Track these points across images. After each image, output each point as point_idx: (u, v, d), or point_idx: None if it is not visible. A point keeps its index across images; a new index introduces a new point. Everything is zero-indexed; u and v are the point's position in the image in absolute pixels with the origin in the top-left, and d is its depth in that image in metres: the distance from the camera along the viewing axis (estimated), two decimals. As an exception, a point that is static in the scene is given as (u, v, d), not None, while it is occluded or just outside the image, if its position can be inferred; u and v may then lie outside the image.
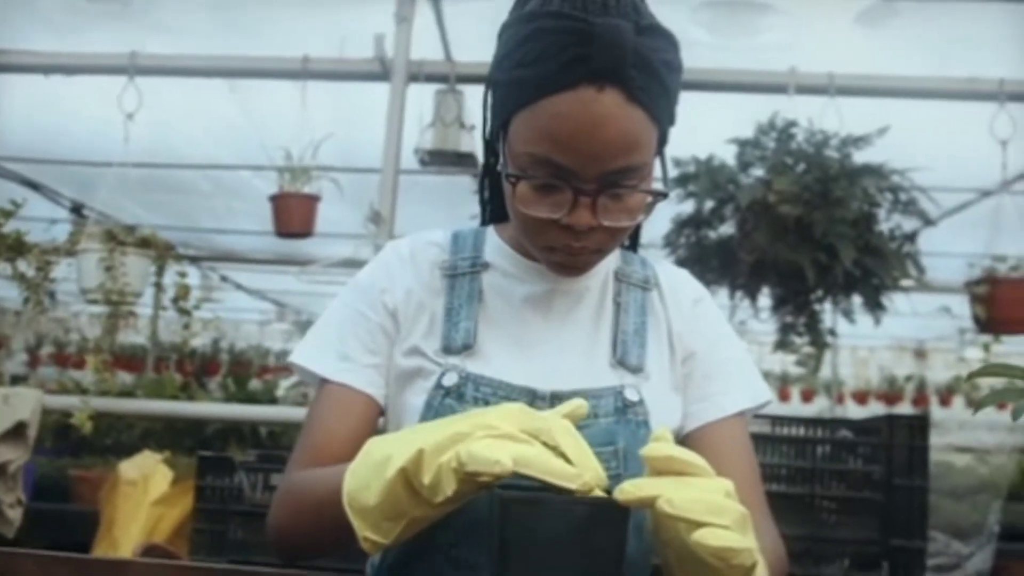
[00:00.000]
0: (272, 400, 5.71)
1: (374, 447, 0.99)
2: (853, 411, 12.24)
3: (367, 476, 0.97)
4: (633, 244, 1.41)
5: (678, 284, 1.37)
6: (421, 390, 1.23)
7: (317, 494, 1.09)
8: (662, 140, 1.20)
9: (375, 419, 1.27)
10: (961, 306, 4.35)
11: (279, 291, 11.42)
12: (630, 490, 0.88)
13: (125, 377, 7.91)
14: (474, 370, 1.23)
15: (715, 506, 0.87)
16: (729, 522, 0.86)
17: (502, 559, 0.88)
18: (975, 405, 0.99)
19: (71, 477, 4.37)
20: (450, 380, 1.22)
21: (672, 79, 1.14)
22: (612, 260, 1.33)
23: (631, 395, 1.24)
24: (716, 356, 1.33)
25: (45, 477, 4.29)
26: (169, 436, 4.93)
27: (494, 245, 1.34)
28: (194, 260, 7.49)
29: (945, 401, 12.96)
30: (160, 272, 3.91)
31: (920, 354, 13.97)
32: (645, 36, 1.10)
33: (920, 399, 12.84)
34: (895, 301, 3.76)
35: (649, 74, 1.10)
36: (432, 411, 1.20)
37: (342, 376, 1.24)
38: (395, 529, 0.96)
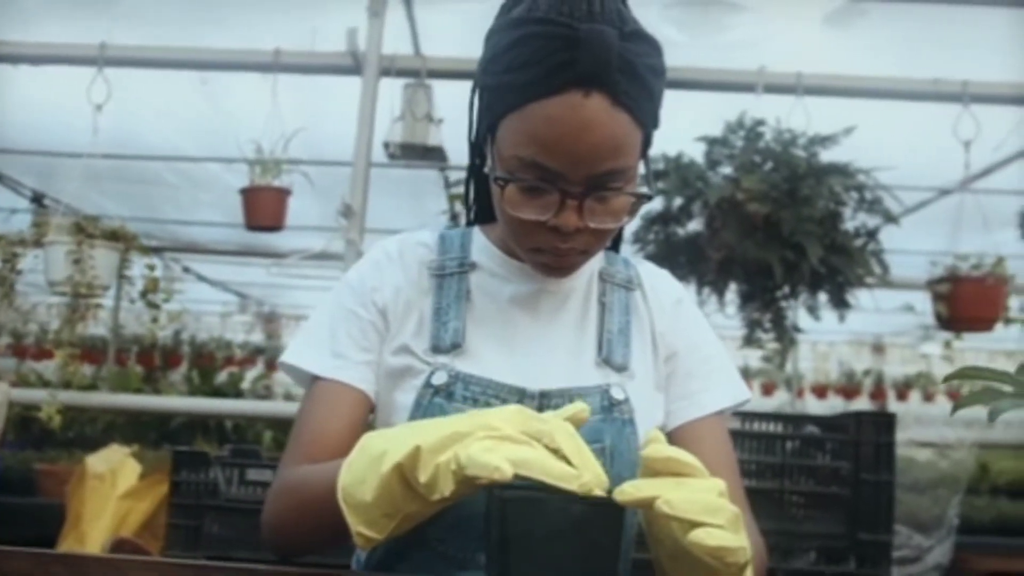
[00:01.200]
0: (238, 393, 5.71)
1: (370, 442, 1.00)
2: (812, 405, 12.38)
3: (363, 471, 0.98)
4: (615, 245, 1.43)
5: (660, 284, 1.40)
6: (410, 388, 1.24)
7: (312, 489, 1.10)
8: (646, 143, 1.22)
9: (367, 416, 1.28)
10: (922, 302, 4.42)
11: (242, 283, 11.35)
12: (630, 491, 0.90)
13: (86, 369, 7.85)
14: (463, 369, 1.24)
15: (710, 506, 0.90)
16: (723, 522, 0.89)
17: (501, 557, 0.90)
18: (954, 406, 1.02)
19: (36, 471, 4.34)
20: (439, 379, 1.23)
21: (656, 83, 1.17)
22: (596, 260, 1.35)
23: (617, 394, 1.26)
24: (697, 355, 1.36)
25: (10, 470, 4.26)
26: (133, 429, 4.92)
27: (481, 245, 1.35)
28: (157, 251, 7.45)
29: (902, 396, 13.13)
30: (125, 263, 3.89)
31: (878, 349, 14.14)
32: (630, 41, 1.12)
33: (878, 393, 12.99)
34: (858, 297, 3.81)
35: (634, 79, 1.12)
36: (421, 409, 1.22)
37: (335, 373, 1.26)
38: (389, 525, 0.97)
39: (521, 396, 1.23)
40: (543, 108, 1.11)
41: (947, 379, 1.06)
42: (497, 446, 0.90)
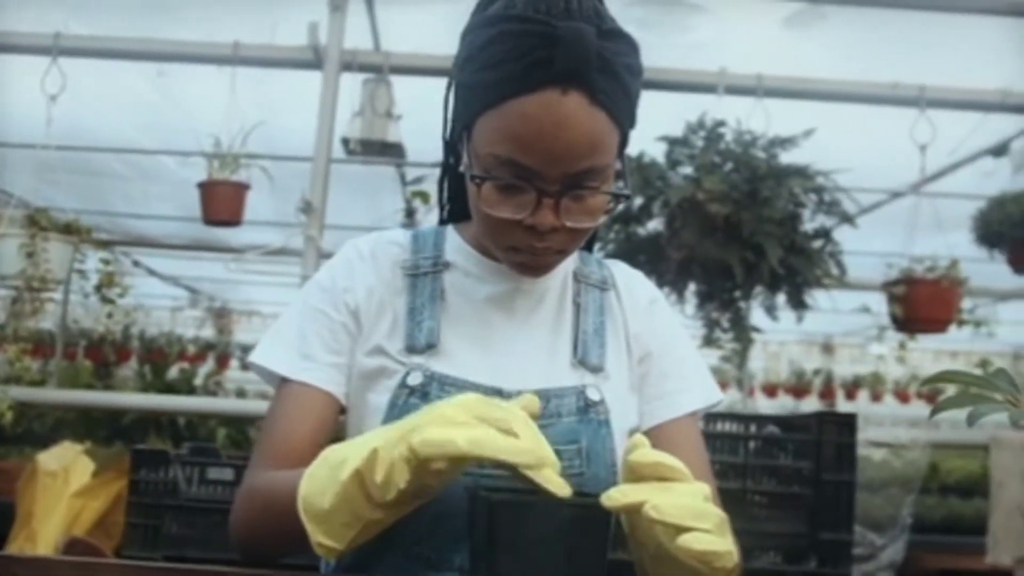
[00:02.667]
0: (191, 389, 5.64)
1: (331, 452, 1.00)
2: (763, 404, 12.48)
3: (323, 480, 0.98)
4: (589, 245, 1.43)
5: (634, 285, 1.39)
6: (385, 389, 1.23)
7: (275, 498, 1.09)
8: (623, 142, 1.21)
9: (335, 417, 1.26)
10: (878, 303, 4.46)
11: (193, 277, 11.22)
12: (617, 497, 0.90)
13: (32, 363, 7.70)
14: (439, 369, 1.23)
15: (698, 511, 0.90)
16: (711, 526, 0.89)
17: (487, 560, 0.89)
18: (934, 409, 1.03)
19: (-15, 467, 4.25)
20: (415, 379, 1.22)
21: (633, 83, 1.16)
22: (570, 261, 1.34)
23: (592, 394, 1.25)
24: (672, 356, 1.35)
25: (-42, 467, 4.18)
26: (84, 425, 4.83)
27: (455, 245, 1.34)
28: (107, 244, 7.33)
29: (851, 395, 13.28)
30: (77, 257, 3.83)
31: (828, 349, 14.29)
32: (608, 40, 1.11)
33: (827, 393, 13.13)
34: (815, 297, 3.85)
35: (611, 77, 1.11)
36: (396, 410, 1.20)
37: (303, 375, 1.24)
38: (349, 534, 0.96)
39: (497, 396, 1.22)
40: (520, 105, 1.10)
41: (926, 383, 1.06)
42: (449, 429, 0.90)
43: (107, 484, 3.47)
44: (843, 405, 12.61)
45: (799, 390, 13.47)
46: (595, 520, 0.90)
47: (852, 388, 13.40)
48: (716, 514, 0.91)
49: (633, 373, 1.33)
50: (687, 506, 0.89)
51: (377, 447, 0.93)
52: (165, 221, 7.39)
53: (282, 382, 1.25)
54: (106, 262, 3.83)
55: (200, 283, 11.72)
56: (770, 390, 13.79)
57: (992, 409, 0.98)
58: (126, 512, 2.33)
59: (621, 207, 3.67)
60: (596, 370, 1.28)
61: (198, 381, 6.26)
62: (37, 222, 3.57)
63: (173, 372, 6.61)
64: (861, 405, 12.71)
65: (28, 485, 3.57)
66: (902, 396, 13.05)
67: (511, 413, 0.94)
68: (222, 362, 11.27)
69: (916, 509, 4.05)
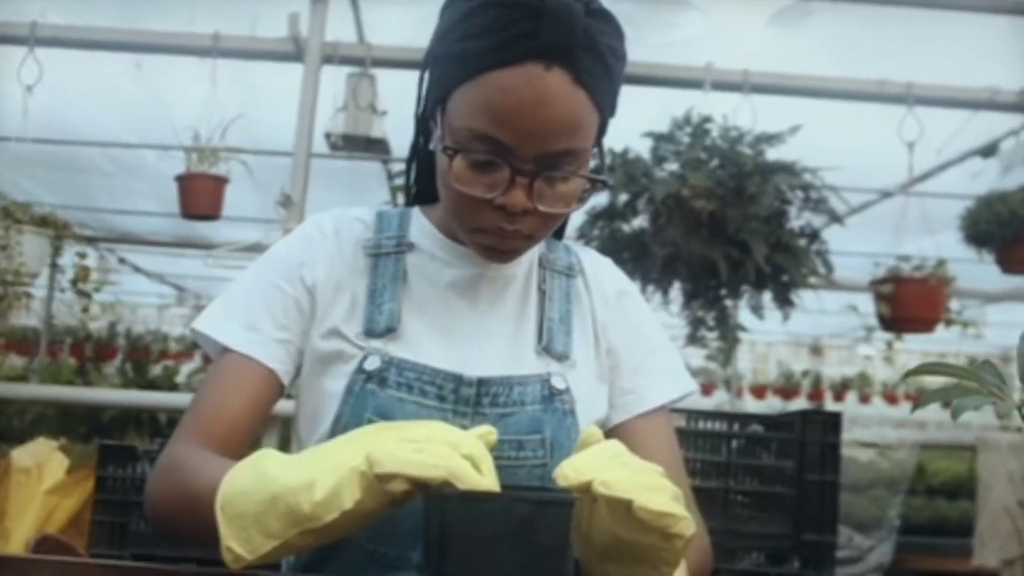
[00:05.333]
0: (172, 387, 5.60)
1: (266, 460, 0.95)
2: (751, 405, 12.48)
3: (250, 483, 0.93)
4: (559, 233, 1.39)
5: (603, 273, 1.36)
6: (341, 374, 1.18)
7: (195, 483, 1.03)
8: (602, 129, 1.17)
9: (275, 397, 1.21)
10: (865, 303, 4.44)
11: (179, 275, 11.15)
12: (571, 475, 0.86)
13: (16, 361, 7.65)
14: (398, 354, 1.19)
15: (651, 484, 0.86)
16: (666, 498, 0.85)
17: (440, 560, 0.84)
18: (916, 402, 0.98)
19: (-41, 464, 4.19)
20: (372, 364, 1.17)
21: (617, 67, 1.13)
22: (537, 247, 1.30)
23: (558, 383, 1.22)
24: (641, 348, 1.32)
25: (-68, 463, 4.11)
26: (63, 422, 4.79)
27: (420, 226, 1.30)
28: (91, 241, 7.28)
29: (839, 397, 13.29)
30: (57, 252, 3.78)
31: (816, 350, 14.31)
32: (594, 19, 1.08)
33: (815, 394, 13.13)
34: (802, 297, 3.82)
35: (596, 57, 1.08)
36: (353, 396, 1.16)
37: (246, 347, 1.19)
38: (265, 546, 0.91)
39: (458, 383, 1.18)
40: (500, 78, 1.06)
41: (909, 374, 1.02)
42: (409, 446, 0.87)
43: (81, 481, 3.42)
44: (831, 406, 12.59)
45: (787, 391, 13.47)
46: (555, 516, 0.85)
47: (840, 390, 13.41)
48: (671, 488, 0.87)
49: (601, 362, 1.29)
50: (640, 481, 0.85)
51: (317, 463, 0.89)
52: (148, 217, 7.32)
53: (223, 352, 1.20)
54: (82, 256, 3.78)
55: (186, 281, 11.66)
56: (758, 391, 13.79)
57: (977, 401, 0.94)
58: (92, 510, 2.27)
59: (603, 203, 3.69)
60: (562, 358, 1.25)
61: (180, 379, 6.21)
62: (11, 214, 3.51)
63: (156, 370, 6.56)
64: (849, 406, 12.72)
65: (2, 482, 3.53)
66: (890, 398, 13.06)
67: (469, 441, 0.91)
68: (208, 360, 11.18)
69: (903, 511, 4.03)
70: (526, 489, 0.92)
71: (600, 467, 0.87)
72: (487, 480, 0.87)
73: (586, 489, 0.85)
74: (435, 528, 0.85)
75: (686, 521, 0.84)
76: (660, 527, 0.83)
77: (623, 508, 0.83)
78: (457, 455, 0.87)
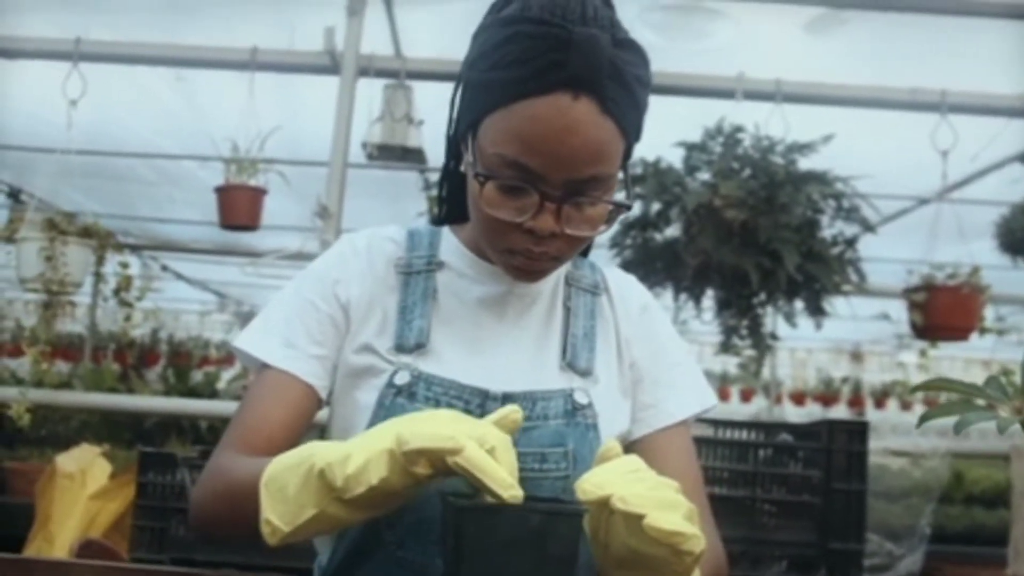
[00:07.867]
0: (213, 393, 5.66)
1: (312, 445, 1.01)
2: (791, 411, 12.40)
3: (294, 460, 0.99)
4: (585, 251, 1.42)
5: (626, 290, 1.38)
6: (372, 388, 1.23)
7: (239, 475, 1.09)
8: (627, 154, 1.21)
9: (313, 410, 1.25)
10: (898, 310, 4.42)
11: (220, 282, 11.29)
12: (590, 489, 0.90)
13: (62, 366, 7.77)
14: (426, 369, 1.22)
15: (666, 501, 0.89)
16: (679, 515, 0.89)
17: (456, 568, 0.89)
18: (921, 417, 1.01)
19: (6, 469, 4.29)
20: (402, 379, 1.21)
21: (642, 95, 1.16)
22: (564, 265, 1.34)
23: (580, 398, 1.25)
24: (664, 362, 1.34)
25: (-21, 468, 4.22)
26: (107, 428, 4.87)
27: (450, 245, 1.34)
28: (134, 249, 7.40)
29: (880, 403, 13.18)
30: (100, 261, 3.85)
31: (856, 357, 14.20)
32: (621, 49, 1.12)
33: (856, 401, 13.04)
34: (835, 305, 3.81)
35: (622, 86, 1.11)
36: (383, 409, 1.20)
37: (284, 363, 1.23)
38: (300, 516, 0.96)
39: (484, 398, 1.22)
40: (530, 107, 1.10)
41: (915, 389, 1.05)
42: (439, 427, 0.91)
43: (124, 486, 3.47)
44: (872, 413, 12.52)
45: (827, 398, 13.39)
46: (567, 527, 0.89)
47: (881, 397, 13.31)
48: (686, 504, 0.91)
49: (624, 378, 1.32)
50: (655, 496, 0.89)
51: (351, 450, 0.93)
52: (190, 226, 7.43)
53: (263, 368, 1.24)
54: (124, 265, 3.85)
55: (228, 288, 11.79)
56: (798, 398, 13.72)
57: (979, 418, 0.97)
58: (133, 515, 2.33)
59: (635, 213, 3.71)
60: (585, 374, 1.28)
61: (221, 384, 6.29)
62: (57, 225, 3.59)
63: (197, 376, 6.65)
64: (890, 414, 12.62)
65: (46, 487, 3.59)
66: (930, 404, 12.91)
67: (488, 430, 0.95)
68: (246, 368, 11.27)
69: (938, 519, 4.01)
70: (539, 500, 0.95)
71: (618, 482, 0.91)
72: (502, 468, 0.91)
73: (604, 503, 0.89)
74: (451, 536, 0.89)
75: (696, 539, 0.88)
76: (670, 544, 0.87)
77: (637, 523, 0.87)
78: (476, 444, 0.91)
